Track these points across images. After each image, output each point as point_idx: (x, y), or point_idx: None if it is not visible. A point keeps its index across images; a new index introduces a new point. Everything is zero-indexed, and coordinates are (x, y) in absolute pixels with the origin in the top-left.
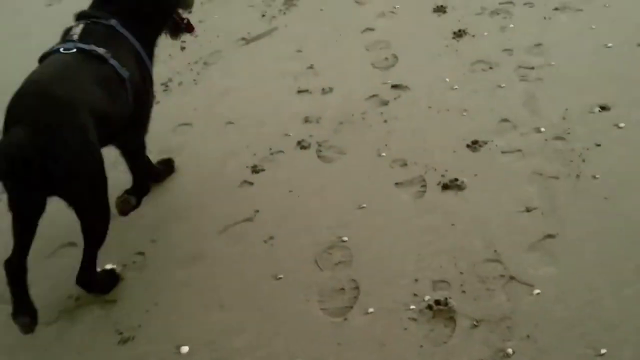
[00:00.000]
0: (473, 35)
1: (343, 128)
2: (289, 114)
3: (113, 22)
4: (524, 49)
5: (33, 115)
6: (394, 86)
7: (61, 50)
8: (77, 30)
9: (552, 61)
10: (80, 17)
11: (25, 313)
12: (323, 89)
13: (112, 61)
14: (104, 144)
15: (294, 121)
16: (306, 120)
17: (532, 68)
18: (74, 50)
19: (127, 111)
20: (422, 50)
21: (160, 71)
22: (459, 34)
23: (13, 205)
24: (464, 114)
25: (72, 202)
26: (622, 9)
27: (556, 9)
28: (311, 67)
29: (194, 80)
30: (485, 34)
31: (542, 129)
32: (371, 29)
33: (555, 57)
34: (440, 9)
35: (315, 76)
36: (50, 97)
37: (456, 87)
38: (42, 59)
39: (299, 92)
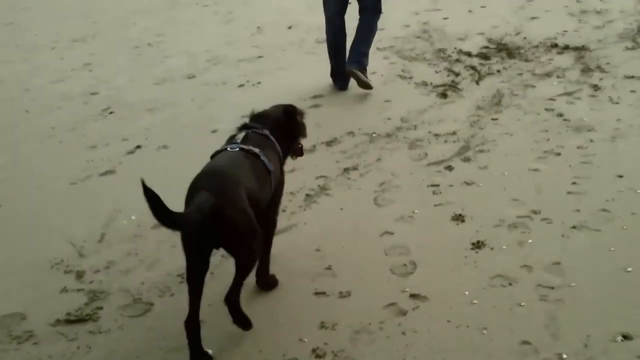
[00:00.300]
0: (492, 248)
1: (360, 337)
2: (304, 318)
3: (266, 132)
4: (543, 266)
5: (212, 184)
6: (413, 295)
7: (228, 149)
8: (240, 136)
9: (572, 282)
10: (242, 128)
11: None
12: (340, 292)
13: (263, 158)
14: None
15: (309, 325)
16: (322, 325)
17: (552, 288)
18: (237, 149)
19: (269, 195)
20: (441, 259)
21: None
22: (478, 245)
23: (191, 267)
24: (484, 332)
25: (233, 249)
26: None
27: (574, 227)
28: (329, 267)
29: (211, 272)
30: (504, 247)
31: (564, 356)
32: (390, 233)
33: (575, 278)
34: (458, 218)
35: (333, 277)
36: (224, 175)
37: (475, 301)
38: (214, 155)
39: (316, 294)
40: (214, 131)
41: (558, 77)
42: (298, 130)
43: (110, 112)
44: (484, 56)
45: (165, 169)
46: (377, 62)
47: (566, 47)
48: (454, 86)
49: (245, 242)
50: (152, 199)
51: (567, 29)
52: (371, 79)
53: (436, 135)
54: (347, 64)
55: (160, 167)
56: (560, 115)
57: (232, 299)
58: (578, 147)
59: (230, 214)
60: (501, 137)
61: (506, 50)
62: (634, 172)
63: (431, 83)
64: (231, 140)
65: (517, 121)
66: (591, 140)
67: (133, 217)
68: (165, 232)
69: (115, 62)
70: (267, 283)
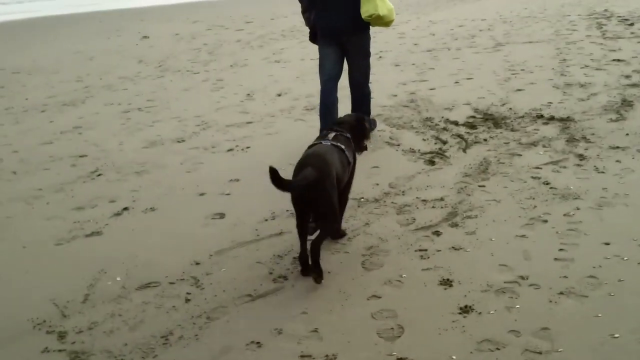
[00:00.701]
0: (479, 313)
1: None
2: None
3: (347, 134)
4: (531, 332)
5: (315, 163)
6: (400, 359)
7: (322, 142)
8: (331, 135)
9: (560, 348)
10: (330, 130)
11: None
12: (326, 356)
13: (347, 152)
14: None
15: None
16: None
17: (540, 353)
18: (329, 143)
19: (346, 179)
20: (429, 323)
21: (162, 322)
22: (466, 309)
23: (298, 219)
24: None
25: (320, 212)
26: (627, 299)
27: (562, 293)
28: (316, 330)
29: (196, 335)
30: (492, 312)
31: None
32: (377, 297)
33: (563, 344)
34: (446, 282)
35: (319, 340)
36: (323, 158)
37: None
38: (311, 146)
39: (301, 357)
40: (201, 194)
41: (544, 146)
42: (365, 134)
43: (99, 175)
44: (470, 125)
45: (152, 231)
46: None
47: (551, 118)
48: (441, 154)
49: (330, 209)
50: (273, 172)
51: (552, 100)
52: None
53: (424, 201)
54: None
55: (147, 229)
56: (547, 183)
57: (315, 247)
58: (565, 215)
59: (325, 186)
60: (488, 203)
61: (492, 120)
62: (621, 240)
63: (419, 150)
64: (323, 137)
65: (504, 188)
66: (577, 208)
67: (118, 279)
68: (150, 293)
69: (104, 125)
70: (339, 235)
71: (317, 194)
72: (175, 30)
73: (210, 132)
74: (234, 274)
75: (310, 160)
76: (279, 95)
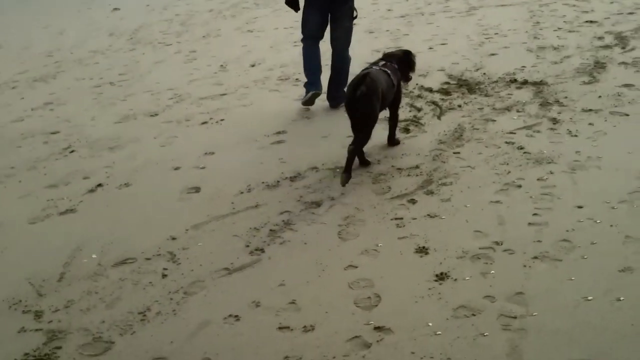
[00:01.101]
0: (455, 279)
1: None
2: (268, 352)
3: (395, 65)
4: (506, 297)
5: (366, 80)
6: (377, 328)
7: (374, 67)
8: (381, 63)
9: (534, 311)
10: (383, 58)
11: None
12: (305, 327)
13: (392, 76)
14: (380, 108)
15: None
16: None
17: (515, 317)
18: (378, 69)
19: (392, 97)
20: (405, 291)
21: (139, 298)
22: (441, 276)
23: (352, 127)
24: None
25: (360, 123)
26: (600, 261)
27: (536, 257)
28: (293, 302)
29: (174, 310)
30: (467, 278)
31: None
32: (354, 266)
33: (537, 307)
34: (422, 250)
35: (296, 312)
36: (373, 78)
37: (439, 332)
38: (364, 70)
39: (280, 328)
40: (176, 168)
41: (518, 111)
42: (411, 66)
43: (71, 151)
44: (445, 92)
45: (127, 207)
46: None
47: (525, 82)
48: (416, 121)
49: (370, 120)
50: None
51: (526, 64)
52: (334, 115)
53: (399, 169)
54: (329, 102)
55: (122, 205)
56: (521, 148)
57: (351, 153)
58: (538, 179)
59: (371, 99)
60: (463, 170)
61: (466, 85)
62: (593, 203)
63: None
64: (374, 64)
65: (478, 154)
66: (551, 172)
67: (94, 256)
68: (126, 269)
69: (76, 101)
70: (393, 143)
71: (364, 106)
72: (146, 1)
73: (184, 105)
74: (210, 248)
75: (362, 80)
76: (253, 65)
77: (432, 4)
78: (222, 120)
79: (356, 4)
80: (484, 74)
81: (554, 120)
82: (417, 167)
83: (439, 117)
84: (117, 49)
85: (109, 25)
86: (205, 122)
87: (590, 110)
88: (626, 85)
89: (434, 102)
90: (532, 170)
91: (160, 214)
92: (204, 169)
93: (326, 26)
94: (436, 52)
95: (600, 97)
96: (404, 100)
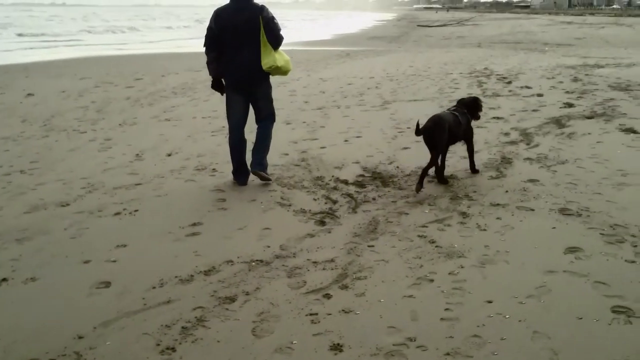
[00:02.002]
0: None
1: None
2: None
3: (464, 109)
4: None
5: (434, 118)
6: None
7: (446, 111)
8: (452, 108)
9: None
10: (457, 104)
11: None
12: None
13: (459, 117)
14: (450, 143)
15: None
16: None
17: None
18: (448, 112)
19: (461, 133)
20: None
21: None
22: None
23: (426, 143)
24: None
25: (429, 145)
26: (510, 357)
27: (448, 354)
28: None
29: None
30: None
31: None
32: None
33: None
34: (336, 347)
35: None
36: (442, 117)
37: None
38: (438, 114)
39: None
40: (86, 262)
41: (429, 204)
42: (478, 109)
43: None
44: (360, 184)
45: (33, 303)
46: (256, 190)
47: (436, 176)
48: (331, 213)
49: (439, 144)
50: (417, 125)
51: None
52: (250, 207)
53: (315, 262)
54: (252, 167)
55: (27, 301)
56: (433, 242)
57: (423, 171)
58: (449, 273)
59: (435, 131)
60: (377, 264)
61: (380, 178)
62: (502, 298)
63: (310, 210)
64: (448, 109)
65: (392, 248)
66: (462, 267)
67: None
68: None
69: None
70: (474, 171)
71: (432, 135)
72: (62, 87)
73: (97, 194)
74: (119, 347)
75: (433, 118)
76: (169, 155)
77: (348, 97)
78: (136, 211)
79: (274, 95)
80: (397, 167)
81: (464, 214)
82: (332, 260)
83: (354, 210)
84: (30, 135)
85: (21, 111)
86: (118, 213)
87: (498, 204)
88: (531, 181)
89: (349, 195)
90: (443, 264)
91: (68, 311)
92: (115, 262)
93: (248, 108)
94: (351, 144)
95: (507, 191)
96: (320, 192)
